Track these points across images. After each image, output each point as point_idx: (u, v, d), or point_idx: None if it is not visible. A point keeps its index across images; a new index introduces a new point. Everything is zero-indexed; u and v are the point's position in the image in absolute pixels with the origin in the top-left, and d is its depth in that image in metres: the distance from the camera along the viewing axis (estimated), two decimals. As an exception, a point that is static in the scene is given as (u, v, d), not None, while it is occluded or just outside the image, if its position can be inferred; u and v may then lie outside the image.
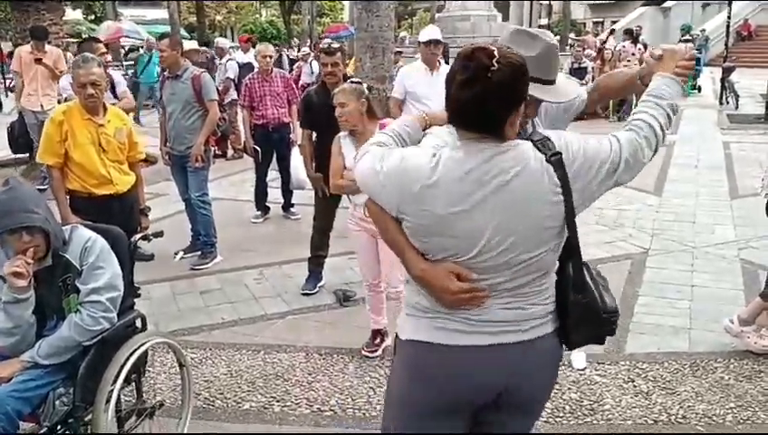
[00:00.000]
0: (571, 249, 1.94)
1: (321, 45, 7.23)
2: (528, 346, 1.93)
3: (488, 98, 1.73)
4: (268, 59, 7.33)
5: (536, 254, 1.86)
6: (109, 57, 6.76)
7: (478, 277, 1.86)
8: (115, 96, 6.27)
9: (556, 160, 1.81)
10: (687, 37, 20.29)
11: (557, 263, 1.97)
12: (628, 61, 13.99)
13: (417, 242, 1.89)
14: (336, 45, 5.32)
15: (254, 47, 10.52)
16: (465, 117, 1.81)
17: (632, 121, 1.96)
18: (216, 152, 8.99)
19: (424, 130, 2.08)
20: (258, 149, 7.25)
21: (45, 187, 8.04)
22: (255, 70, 7.65)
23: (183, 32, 21.89)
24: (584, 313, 1.96)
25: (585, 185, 1.85)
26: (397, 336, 2.10)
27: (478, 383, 1.94)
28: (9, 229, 2.67)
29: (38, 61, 8.57)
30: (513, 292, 1.90)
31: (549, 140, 1.86)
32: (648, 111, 1.96)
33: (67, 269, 2.83)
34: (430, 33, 5.84)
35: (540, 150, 1.83)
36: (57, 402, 2.68)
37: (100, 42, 6.72)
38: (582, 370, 4.02)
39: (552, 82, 2.06)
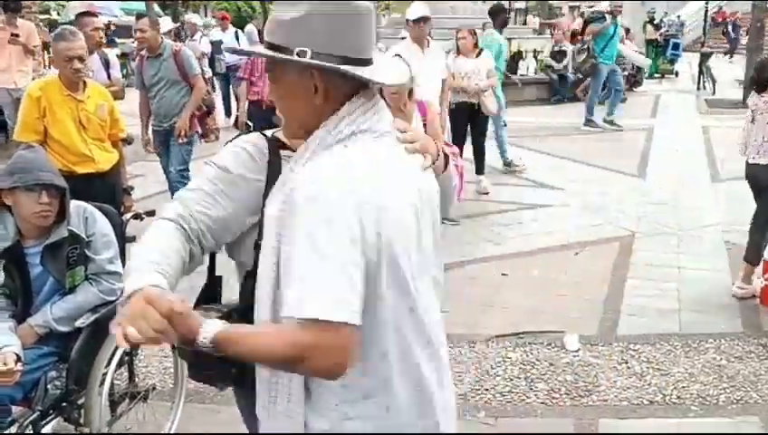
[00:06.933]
0: None
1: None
2: None
3: None
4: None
5: None
6: (101, 34, 6.41)
7: None
8: (108, 77, 6.05)
9: None
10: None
11: None
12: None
13: None
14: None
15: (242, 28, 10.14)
16: None
17: None
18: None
19: None
20: (250, 124, 7.07)
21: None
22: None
23: (157, 8, 21.38)
24: None
25: None
26: None
27: None
28: (28, 186, 2.58)
29: (14, 36, 8.26)
30: None
31: None
32: None
33: (74, 241, 2.74)
34: (419, 10, 5.71)
35: None
36: (49, 386, 2.59)
37: (96, 16, 6.43)
38: (576, 351, 4.01)
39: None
